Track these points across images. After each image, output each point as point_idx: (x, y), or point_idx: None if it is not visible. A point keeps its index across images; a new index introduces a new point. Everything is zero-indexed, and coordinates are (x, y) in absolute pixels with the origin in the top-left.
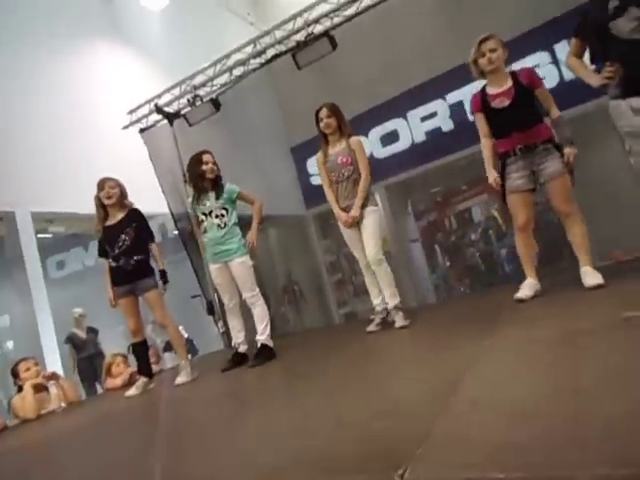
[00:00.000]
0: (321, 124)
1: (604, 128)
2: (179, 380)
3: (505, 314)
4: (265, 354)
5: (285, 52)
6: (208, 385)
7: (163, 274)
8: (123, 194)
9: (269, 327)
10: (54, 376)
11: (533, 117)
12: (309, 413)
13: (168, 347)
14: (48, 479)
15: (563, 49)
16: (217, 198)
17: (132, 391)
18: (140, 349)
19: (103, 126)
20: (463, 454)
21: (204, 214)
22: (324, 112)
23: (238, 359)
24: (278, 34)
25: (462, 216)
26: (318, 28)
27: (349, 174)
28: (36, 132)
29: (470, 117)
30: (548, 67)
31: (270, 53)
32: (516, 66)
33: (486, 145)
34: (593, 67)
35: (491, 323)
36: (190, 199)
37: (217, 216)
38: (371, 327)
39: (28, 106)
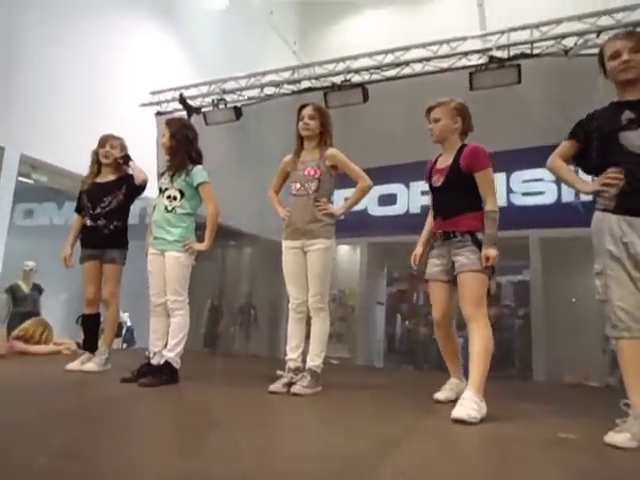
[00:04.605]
0: (300, 124)
1: (587, 254)
2: (88, 366)
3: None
4: (165, 375)
5: (319, 88)
6: (100, 387)
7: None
8: (123, 157)
9: (182, 345)
10: None
11: (459, 206)
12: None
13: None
14: None
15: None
16: (173, 177)
17: (75, 365)
18: (92, 323)
19: (117, 95)
20: None
21: (160, 190)
22: (308, 110)
23: (147, 372)
24: (317, 70)
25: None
26: (356, 77)
27: (313, 190)
28: (52, 78)
29: None
30: (550, 184)
31: (304, 85)
32: (520, 173)
33: (428, 219)
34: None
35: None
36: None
37: (169, 197)
38: (275, 386)
39: (60, 53)
